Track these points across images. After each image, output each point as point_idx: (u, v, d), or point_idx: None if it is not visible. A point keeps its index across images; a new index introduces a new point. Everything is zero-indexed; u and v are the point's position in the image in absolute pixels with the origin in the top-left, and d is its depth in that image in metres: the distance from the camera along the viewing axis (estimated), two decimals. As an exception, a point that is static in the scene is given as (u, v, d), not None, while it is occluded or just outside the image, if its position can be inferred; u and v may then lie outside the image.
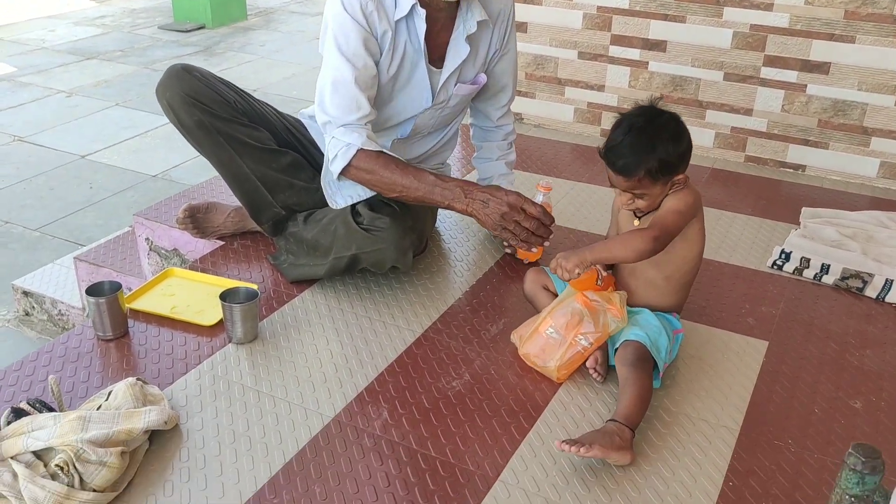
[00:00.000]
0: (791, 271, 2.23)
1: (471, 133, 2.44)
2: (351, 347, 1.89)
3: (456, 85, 2.11)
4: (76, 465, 1.42)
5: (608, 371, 1.76)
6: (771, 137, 2.97)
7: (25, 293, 2.88)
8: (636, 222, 1.79)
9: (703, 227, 1.79)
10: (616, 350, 1.72)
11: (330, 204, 2.08)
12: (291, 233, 2.17)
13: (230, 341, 1.89)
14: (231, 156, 2.09)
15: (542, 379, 1.77)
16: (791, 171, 2.97)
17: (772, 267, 2.26)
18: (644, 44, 3.06)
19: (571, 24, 3.16)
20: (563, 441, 1.48)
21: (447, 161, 2.38)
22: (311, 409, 1.68)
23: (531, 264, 2.22)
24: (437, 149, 2.28)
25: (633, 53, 3.09)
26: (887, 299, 2.10)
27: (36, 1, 7.95)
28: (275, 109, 2.27)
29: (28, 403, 1.56)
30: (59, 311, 2.80)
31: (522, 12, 3.23)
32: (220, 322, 1.92)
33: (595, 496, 1.46)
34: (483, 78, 2.18)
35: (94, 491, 1.41)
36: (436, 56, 2.04)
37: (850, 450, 1.12)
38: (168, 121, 2.16)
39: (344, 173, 1.98)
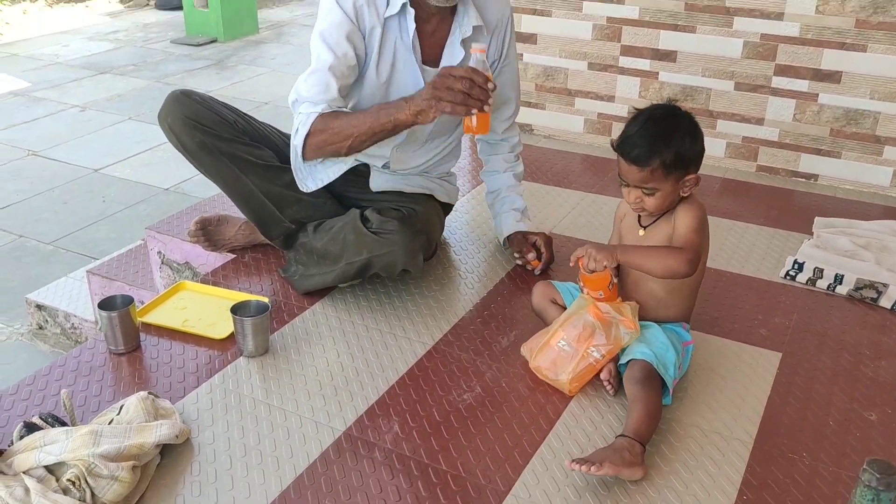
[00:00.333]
0: (804, 282, 2.22)
1: (477, 148, 2.44)
2: (361, 360, 1.89)
3: None
4: (88, 479, 1.42)
5: (620, 383, 1.75)
6: (783, 147, 2.96)
7: (39, 307, 2.90)
8: (641, 232, 1.78)
9: (707, 238, 1.78)
10: (624, 367, 1.71)
11: (301, 188, 2.12)
12: (301, 243, 2.18)
13: (241, 354, 1.89)
14: (236, 175, 2.11)
15: (553, 392, 1.77)
16: (803, 180, 2.96)
17: (784, 277, 2.25)
18: (654, 54, 3.06)
19: (581, 35, 3.17)
20: (573, 460, 1.46)
21: (452, 170, 2.38)
22: (322, 422, 1.68)
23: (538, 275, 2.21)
24: (439, 159, 2.28)
25: (644, 64, 3.09)
26: (902, 309, 2.08)
27: (51, 17, 8.04)
28: (276, 128, 2.29)
29: (40, 418, 1.57)
30: (72, 324, 2.82)
31: (531, 23, 3.24)
32: (232, 335, 1.93)
33: (607, 510, 1.46)
34: None
35: (106, 505, 1.41)
36: (430, 57, 2.08)
37: (864, 465, 1.11)
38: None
39: (305, 145, 2.00)
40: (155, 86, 5.82)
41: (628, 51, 3.10)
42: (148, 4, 8.50)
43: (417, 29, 2.01)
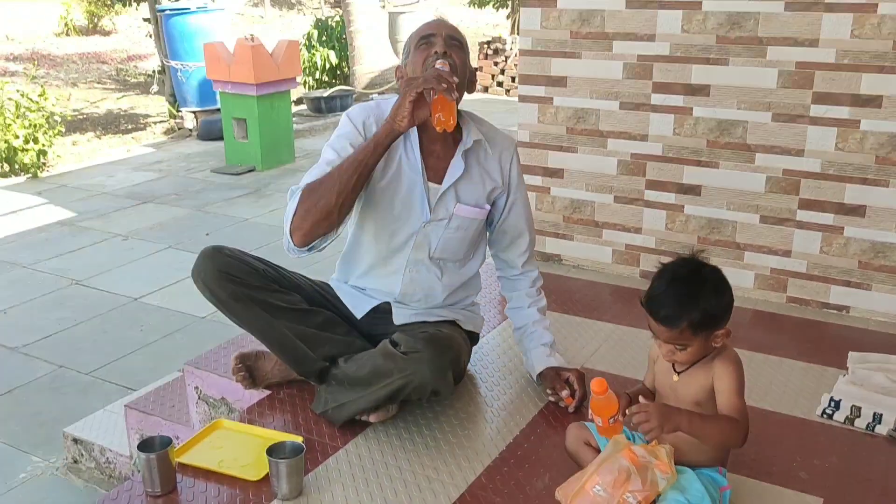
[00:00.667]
0: (842, 420, 2.19)
1: (500, 286, 2.51)
2: (395, 504, 1.88)
3: (456, 205, 2.23)
4: None
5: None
6: (811, 279, 2.97)
7: (75, 440, 2.93)
8: (675, 378, 1.80)
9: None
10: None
11: (286, 249, 2.16)
12: (333, 375, 2.22)
13: (276, 497, 1.89)
14: (268, 321, 2.18)
15: (589, 539, 1.73)
16: (835, 312, 2.96)
17: (822, 416, 2.22)
18: (686, 89, 3.05)
19: (612, 75, 3.18)
20: None
21: (475, 301, 2.44)
22: (356, 571, 1.66)
23: (572, 415, 2.21)
24: (458, 287, 2.34)
25: (677, 100, 3.08)
26: (945, 450, 2.04)
27: (99, 147, 8.47)
28: (304, 276, 2.38)
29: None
30: (107, 458, 2.84)
31: (561, 67, 3.27)
32: (267, 476, 1.93)
33: None
34: (486, 207, 2.29)
35: None
36: (435, 175, 2.22)
37: None
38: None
39: (295, 215, 2.05)
40: (195, 214, 6.04)
41: (660, 87, 3.07)
42: (190, 135, 8.93)
43: (422, 148, 2.18)
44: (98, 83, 12.76)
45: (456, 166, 2.22)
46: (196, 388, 2.62)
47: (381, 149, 2.05)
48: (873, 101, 2.75)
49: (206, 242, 2.22)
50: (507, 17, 12.62)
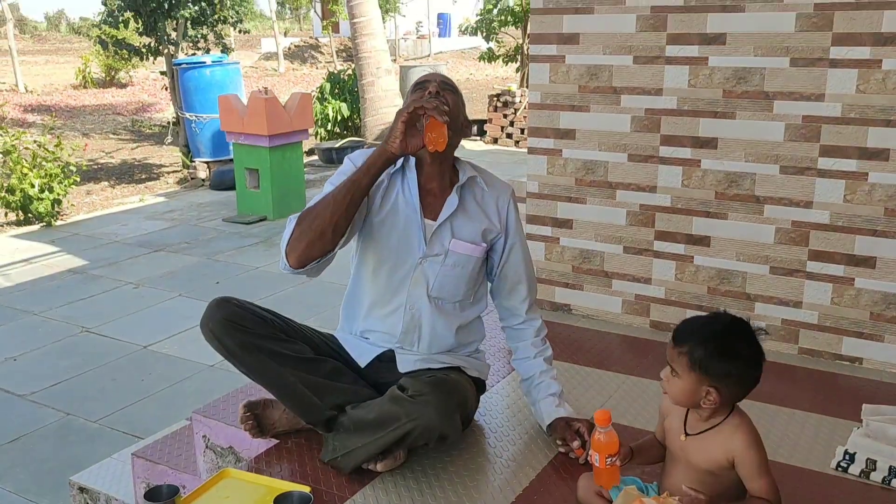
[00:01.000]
0: (857, 474, 2.15)
1: (505, 336, 2.51)
2: (403, 557, 1.85)
3: (451, 241, 2.27)
4: None
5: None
6: (823, 329, 2.96)
7: (82, 489, 2.91)
8: (682, 437, 1.79)
9: None
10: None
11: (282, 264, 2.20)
12: (341, 422, 2.21)
13: (282, 549, 1.87)
14: (276, 370, 2.19)
15: None
16: (848, 363, 2.93)
17: (836, 469, 2.19)
18: (694, 142, 3.07)
19: (620, 128, 3.21)
20: None
21: (480, 348, 2.45)
22: None
23: (586, 466, 2.18)
24: (459, 330, 2.34)
25: (685, 152, 3.09)
26: (964, 506, 2.00)
27: (112, 197, 8.57)
28: (310, 327, 2.40)
29: None
30: (113, 507, 2.81)
31: (570, 120, 3.30)
32: (273, 527, 1.91)
33: None
34: (483, 245, 2.31)
35: None
36: (432, 213, 2.28)
37: None
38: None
39: (291, 237, 2.12)
40: (205, 262, 6.08)
41: (668, 140, 3.09)
42: (203, 185, 9.04)
43: (420, 187, 2.25)
44: (113, 134, 12.99)
45: (451, 201, 2.28)
46: (204, 436, 2.60)
47: (373, 170, 2.12)
48: (881, 154, 2.77)
49: (216, 290, 2.25)
50: (517, 70, 12.83)
